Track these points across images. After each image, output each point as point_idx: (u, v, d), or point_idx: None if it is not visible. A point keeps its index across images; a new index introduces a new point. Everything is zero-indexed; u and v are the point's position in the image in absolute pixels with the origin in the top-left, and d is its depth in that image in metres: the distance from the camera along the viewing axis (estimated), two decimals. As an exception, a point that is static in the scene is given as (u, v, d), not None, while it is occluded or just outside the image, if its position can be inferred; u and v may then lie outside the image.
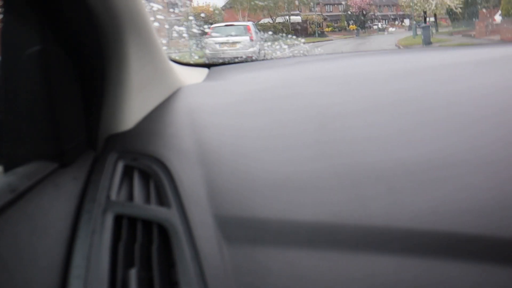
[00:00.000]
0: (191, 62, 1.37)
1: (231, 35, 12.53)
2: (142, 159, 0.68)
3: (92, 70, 0.72)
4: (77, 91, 0.69)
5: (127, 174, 0.66)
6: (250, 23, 14.53)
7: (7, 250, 0.45)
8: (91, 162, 0.69)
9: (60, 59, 0.64)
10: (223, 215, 0.57)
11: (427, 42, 18.33)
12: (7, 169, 0.60)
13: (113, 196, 0.60)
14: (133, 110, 0.80)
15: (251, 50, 11.83)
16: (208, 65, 1.42)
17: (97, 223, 0.55)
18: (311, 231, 0.54)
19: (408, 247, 0.51)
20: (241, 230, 0.56)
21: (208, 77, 1.25)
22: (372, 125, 0.77)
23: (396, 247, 0.51)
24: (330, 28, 38.80)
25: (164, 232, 0.54)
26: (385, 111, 0.82)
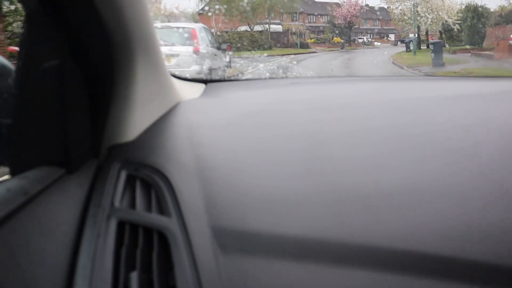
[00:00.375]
0: (189, 78, 1.43)
1: (168, 44, 8.13)
2: (144, 169, 0.72)
3: (101, 84, 0.76)
4: (86, 103, 0.74)
5: (130, 183, 0.70)
6: (197, 26, 9.56)
7: (18, 249, 0.49)
8: (94, 170, 0.73)
9: (74, 73, 0.69)
10: (219, 227, 0.62)
11: (439, 64, 14.81)
12: (17, 172, 0.64)
13: (117, 203, 0.64)
14: (135, 122, 0.84)
15: (193, 69, 7.69)
16: (205, 81, 1.47)
17: (101, 228, 0.58)
18: (298, 245, 0.59)
19: (386, 264, 0.56)
20: (235, 241, 0.60)
21: (204, 93, 1.30)
22: (356, 148, 0.83)
23: (374, 263, 0.56)
24: (313, 40, 37.18)
25: (164, 240, 0.59)
26: (369, 137, 0.88)
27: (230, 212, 0.65)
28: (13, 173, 0.68)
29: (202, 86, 1.40)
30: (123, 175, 0.70)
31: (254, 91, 1.37)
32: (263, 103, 1.15)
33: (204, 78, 1.52)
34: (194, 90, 1.30)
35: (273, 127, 0.95)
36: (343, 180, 0.73)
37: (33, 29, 0.65)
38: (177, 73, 1.32)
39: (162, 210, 0.64)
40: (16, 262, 0.48)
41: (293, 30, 34.85)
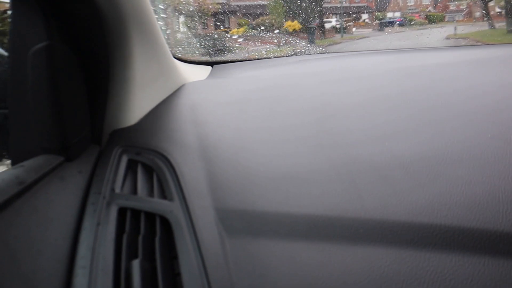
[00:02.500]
0: (195, 60, 1.39)
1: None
2: (146, 153, 0.70)
3: (97, 67, 0.73)
4: (83, 86, 0.71)
5: (131, 167, 0.67)
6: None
7: (15, 240, 0.47)
8: (96, 156, 0.71)
9: (67, 55, 0.66)
10: (224, 208, 0.59)
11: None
12: (14, 162, 0.62)
13: (118, 189, 0.61)
14: (137, 105, 0.81)
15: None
16: (211, 63, 1.43)
17: (101, 215, 0.56)
18: (309, 224, 0.56)
19: (404, 239, 0.52)
20: (241, 222, 0.57)
21: (211, 75, 1.27)
22: (370, 120, 0.78)
23: (392, 239, 0.52)
24: (242, 29, 6.21)
25: (166, 224, 0.56)
26: (381, 108, 0.83)
27: (235, 192, 0.62)
28: (13, 164, 0.66)
29: (208, 68, 1.37)
30: (124, 160, 0.68)
31: (262, 70, 1.32)
32: (270, 80, 1.10)
33: (211, 60, 1.48)
34: (200, 73, 1.27)
35: (280, 102, 0.91)
36: (355, 152, 0.68)
37: (21, 12, 0.62)
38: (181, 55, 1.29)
39: (164, 194, 0.61)
40: (13, 254, 0.46)
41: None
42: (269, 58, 1.57)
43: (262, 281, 0.50)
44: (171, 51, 1.03)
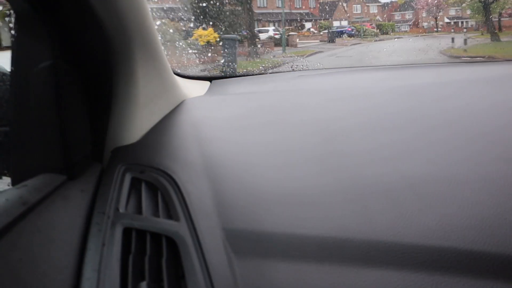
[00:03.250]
0: (194, 75, 1.39)
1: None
2: (149, 171, 0.69)
3: (99, 85, 0.73)
4: (85, 104, 0.70)
5: (135, 186, 0.66)
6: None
7: (19, 262, 0.46)
8: (98, 174, 0.70)
9: (70, 73, 0.65)
10: (232, 229, 0.58)
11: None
12: (16, 181, 0.61)
13: (122, 208, 0.60)
14: (139, 123, 0.81)
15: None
16: (209, 78, 1.43)
17: (106, 236, 0.55)
18: (318, 246, 0.55)
19: (415, 262, 0.52)
20: (250, 243, 0.56)
21: (210, 90, 1.27)
22: (376, 140, 0.78)
23: (404, 262, 0.52)
24: None
25: (173, 245, 0.55)
26: (387, 126, 0.83)
27: (242, 212, 0.61)
28: (13, 183, 0.65)
29: (207, 83, 1.37)
30: (128, 179, 0.67)
31: (261, 85, 1.33)
32: (271, 97, 1.10)
33: (209, 75, 1.47)
34: (199, 88, 1.27)
35: (283, 120, 0.91)
36: (363, 173, 0.68)
37: (24, 30, 0.62)
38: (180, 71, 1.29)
39: (169, 214, 0.60)
40: (18, 277, 0.44)
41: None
42: (267, 73, 1.57)
43: None
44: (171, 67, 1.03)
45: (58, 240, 0.53)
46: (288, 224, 0.58)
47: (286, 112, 0.95)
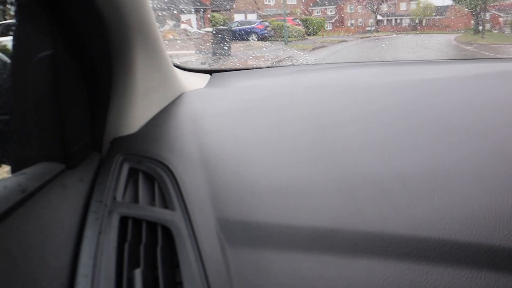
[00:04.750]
0: (194, 68, 1.40)
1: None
2: (147, 162, 0.70)
3: (100, 75, 0.74)
4: (85, 94, 0.71)
5: (132, 176, 0.67)
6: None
7: (17, 248, 0.47)
8: (97, 164, 0.71)
9: (70, 64, 0.66)
10: (226, 219, 0.59)
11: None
12: (16, 170, 0.62)
13: (119, 197, 0.62)
14: (138, 114, 0.82)
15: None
16: (210, 71, 1.44)
17: (103, 224, 0.56)
18: (310, 236, 0.56)
19: (403, 253, 0.53)
20: (243, 233, 0.57)
21: (210, 83, 1.27)
22: (369, 133, 0.79)
23: (392, 252, 0.53)
24: None
25: (168, 234, 0.56)
26: (379, 121, 0.84)
27: (236, 202, 0.62)
28: (13, 171, 0.66)
29: (207, 76, 1.37)
30: (126, 169, 0.68)
31: (261, 79, 1.33)
32: (269, 90, 1.11)
33: (209, 68, 1.48)
34: (199, 81, 1.27)
35: (280, 113, 0.92)
36: (356, 166, 0.69)
37: (25, 20, 0.63)
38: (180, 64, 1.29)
39: (166, 203, 0.61)
40: (15, 262, 0.46)
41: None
42: (267, 67, 1.57)
43: None
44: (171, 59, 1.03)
45: (56, 227, 0.54)
46: (281, 214, 0.59)
47: (283, 106, 0.96)
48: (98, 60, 0.72)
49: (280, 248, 0.55)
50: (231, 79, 1.33)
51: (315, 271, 0.52)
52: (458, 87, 1.03)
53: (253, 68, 1.54)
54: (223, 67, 1.54)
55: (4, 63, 0.89)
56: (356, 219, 0.58)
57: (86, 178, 0.66)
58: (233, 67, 1.56)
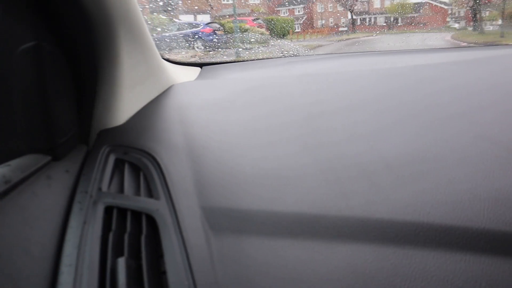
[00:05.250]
0: (184, 61, 1.39)
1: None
2: (133, 152, 0.70)
3: (85, 67, 0.73)
4: (70, 86, 0.71)
5: (118, 167, 0.67)
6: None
7: (0, 239, 0.47)
8: (83, 155, 0.71)
9: (54, 55, 0.66)
10: (210, 207, 0.59)
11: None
12: (1, 162, 0.62)
13: (104, 188, 0.62)
14: (125, 106, 0.82)
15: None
16: (200, 64, 1.44)
17: (88, 214, 0.56)
18: (293, 222, 0.56)
19: (387, 237, 0.53)
20: (227, 220, 0.57)
21: (200, 76, 1.27)
22: (354, 121, 0.79)
23: (376, 237, 0.53)
24: None
25: (153, 223, 0.56)
26: (367, 109, 0.84)
27: (221, 191, 0.62)
28: None
29: (197, 69, 1.37)
30: (112, 160, 0.68)
31: (251, 71, 1.33)
32: (259, 81, 1.11)
33: (200, 61, 1.46)
34: (189, 74, 1.27)
35: (268, 103, 0.92)
36: (340, 151, 0.70)
37: (7, 11, 0.62)
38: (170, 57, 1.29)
39: (151, 193, 0.61)
40: None
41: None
42: (258, 59, 1.57)
43: (247, 279, 0.50)
44: (159, 52, 1.03)
45: (40, 218, 0.54)
46: (264, 201, 0.60)
47: (272, 96, 0.96)
48: (83, 51, 0.72)
49: (264, 235, 0.55)
50: (222, 71, 1.33)
51: (298, 256, 0.52)
52: (443, 73, 1.04)
53: (244, 61, 1.54)
54: (213, 60, 1.53)
55: None
56: (340, 204, 0.58)
57: (72, 170, 0.66)
58: (224, 60, 1.56)
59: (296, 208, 0.58)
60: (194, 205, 0.59)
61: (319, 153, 0.70)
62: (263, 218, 0.57)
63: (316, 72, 1.21)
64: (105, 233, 0.54)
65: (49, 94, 0.64)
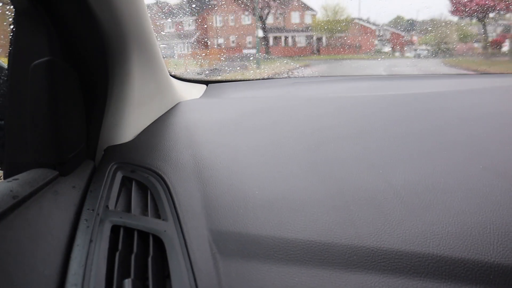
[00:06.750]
0: (190, 78, 1.40)
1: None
2: (140, 171, 0.70)
3: (96, 83, 0.74)
4: (81, 102, 0.71)
5: (125, 185, 0.67)
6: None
7: (6, 255, 0.46)
8: (90, 171, 0.70)
9: (67, 71, 0.66)
10: (218, 230, 0.59)
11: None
12: (7, 175, 0.62)
13: (111, 206, 0.61)
14: (132, 123, 0.82)
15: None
16: (206, 82, 1.45)
17: (94, 232, 0.56)
18: (303, 249, 0.56)
19: (396, 268, 0.53)
20: (235, 244, 0.57)
21: (206, 94, 1.28)
22: (363, 148, 0.79)
23: (385, 267, 0.53)
24: None
25: (160, 244, 0.56)
26: (375, 136, 0.85)
27: (229, 214, 0.62)
28: (5, 177, 0.66)
29: (203, 87, 1.38)
30: (119, 177, 0.68)
31: (257, 91, 1.34)
32: (265, 102, 1.12)
33: (206, 79, 1.47)
34: (195, 91, 1.28)
35: (276, 126, 0.92)
36: (350, 179, 0.69)
37: (24, 26, 0.63)
38: (177, 74, 1.30)
39: (158, 213, 0.61)
40: (4, 269, 0.45)
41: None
42: (264, 79, 1.58)
43: None
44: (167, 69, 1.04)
45: (47, 234, 0.53)
46: (273, 227, 0.59)
47: (279, 118, 0.96)
48: (94, 68, 0.72)
49: (273, 261, 0.54)
50: (227, 90, 1.34)
51: (307, 284, 0.51)
52: (454, 101, 1.05)
53: (250, 80, 1.55)
54: (219, 78, 1.54)
55: (0, 68, 0.89)
56: (349, 233, 0.58)
57: (79, 186, 0.65)
58: (229, 78, 1.56)
59: (305, 235, 0.58)
60: (203, 228, 0.59)
61: (328, 179, 0.70)
62: (272, 244, 0.57)
63: (322, 95, 1.21)
64: (112, 253, 0.53)
65: (59, 109, 0.65)
